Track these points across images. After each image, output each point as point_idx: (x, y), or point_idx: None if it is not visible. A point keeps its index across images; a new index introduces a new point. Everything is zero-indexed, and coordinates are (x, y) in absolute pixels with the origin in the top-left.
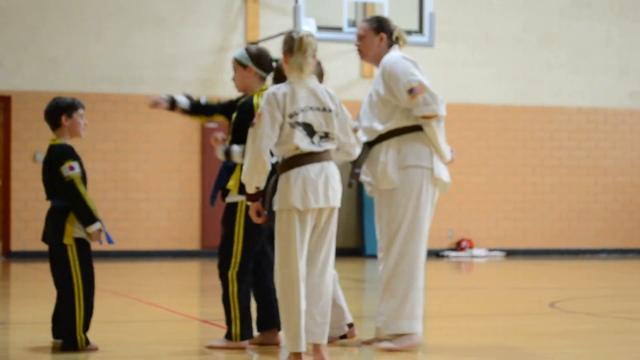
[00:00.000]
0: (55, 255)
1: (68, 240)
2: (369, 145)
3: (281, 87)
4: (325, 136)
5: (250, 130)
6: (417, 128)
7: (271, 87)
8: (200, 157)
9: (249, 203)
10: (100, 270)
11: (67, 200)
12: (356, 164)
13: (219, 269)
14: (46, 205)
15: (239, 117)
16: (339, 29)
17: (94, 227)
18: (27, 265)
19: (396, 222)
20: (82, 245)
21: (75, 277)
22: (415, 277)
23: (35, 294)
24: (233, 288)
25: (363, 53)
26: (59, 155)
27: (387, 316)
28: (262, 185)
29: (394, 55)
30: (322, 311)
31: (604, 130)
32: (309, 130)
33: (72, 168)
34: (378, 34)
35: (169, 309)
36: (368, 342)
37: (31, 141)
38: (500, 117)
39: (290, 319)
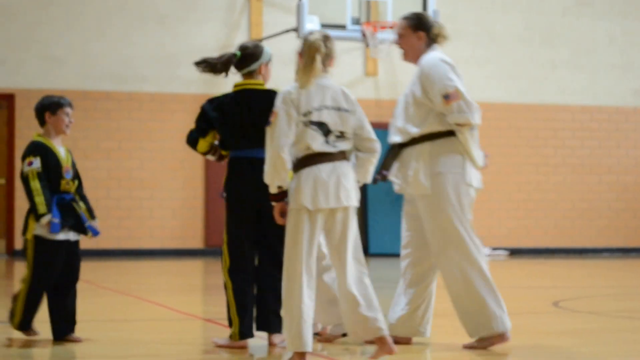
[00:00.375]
0: (23, 248)
1: (28, 235)
2: (400, 147)
3: (296, 86)
4: (341, 135)
5: (268, 130)
6: (450, 133)
7: (286, 86)
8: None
9: (273, 203)
10: (104, 268)
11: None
12: (385, 164)
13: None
14: None
15: None
16: (342, 27)
17: (43, 220)
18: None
19: (441, 230)
20: (41, 242)
21: (27, 272)
22: (484, 279)
23: None
24: (228, 286)
25: (403, 52)
26: (25, 150)
27: (471, 323)
28: (284, 185)
29: (432, 57)
30: (370, 306)
31: (607, 129)
32: (324, 129)
33: (30, 163)
34: (416, 32)
35: (172, 307)
36: (371, 341)
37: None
38: (503, 116)
39: (292, 318)
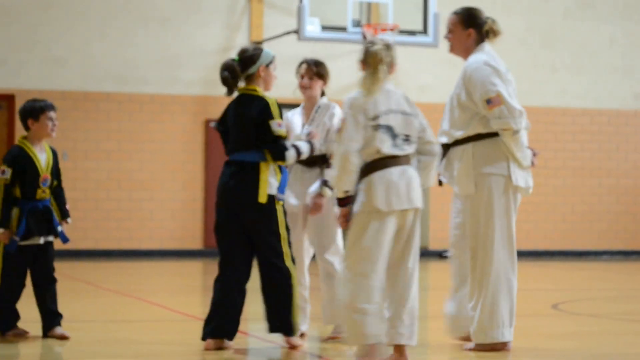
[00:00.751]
0: None
1: None
2: (446, 147)
3: (362, 92)
4: (407, 139)
5: (336, 137)
6: (494, 134)
7: (352, 92)
8: (203, 157)
9: (338, 208)
10: (103, 269)
11: None
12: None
13: None
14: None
15: None
16: (343, 29)
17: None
18: None
19: (475, 230)
20: (7, 248)
21: None
22: (499, 285)
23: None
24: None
25: (452, 47)
26: (4, 155)
27: (478, 328)
28: (351, 189)
29: (477, 60)
30: (411, 313)
31: (608, 132)
32: (392, 132)
33: (2, 172)
34: (466, 29)
35: (171, 308)
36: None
37: None
38: None
39: (355, 316)
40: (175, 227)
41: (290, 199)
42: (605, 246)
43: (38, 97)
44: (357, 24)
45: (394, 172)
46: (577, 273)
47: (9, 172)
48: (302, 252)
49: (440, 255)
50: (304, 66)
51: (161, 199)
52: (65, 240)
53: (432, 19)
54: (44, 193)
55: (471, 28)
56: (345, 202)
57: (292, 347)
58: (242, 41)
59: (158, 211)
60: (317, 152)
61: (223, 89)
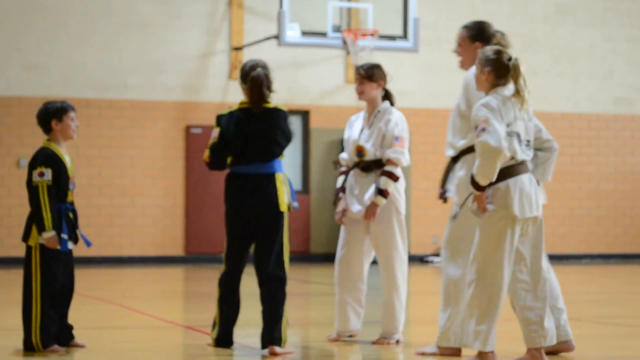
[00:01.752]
0: (25, 257)
1: (32, 241)
2: (453, 160)
3: (492, 99)
4: (528, 144)
5: (481, 135)
6: None
7: (485, 98)
8: (184, 163)
9: (478, 193)
10: (84, 276)
11: (30, 203)
12: (442, 181)
13: None
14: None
15: None
16: (323, 34)
17: (46, 235)
18: (11, 271)
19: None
20: (47, 250)
21: (34, 281)
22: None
23: (19, 301)
24: (217, 294)
25: (462, 62)
26: (35, 159)
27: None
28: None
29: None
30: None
31: (588, 136)
32: (519, 138)
33: (41, 174)
34: (473, 42)
35: (153, 315)
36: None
37: (15, 147)
38: None
39: (487, 319)
40: (156, 233)
41: (354, 205)
42: (586, 250)
43: (20, 104)
44: (337, 29)
45: (525, 179)
46: (559, 277)
47: (49, 173)
48: (362, 257)
49: (421, 260)
50: (356, 73)
51: (142, 205)
52: (89, 244)
53: (412, 24)
54: (71, 196)
55: (479, 42)
56: (484, 189)
57: (275, 354)
58: (222, 47)
59: (139, 217)
60: (372, 158)
61: (202, 95)
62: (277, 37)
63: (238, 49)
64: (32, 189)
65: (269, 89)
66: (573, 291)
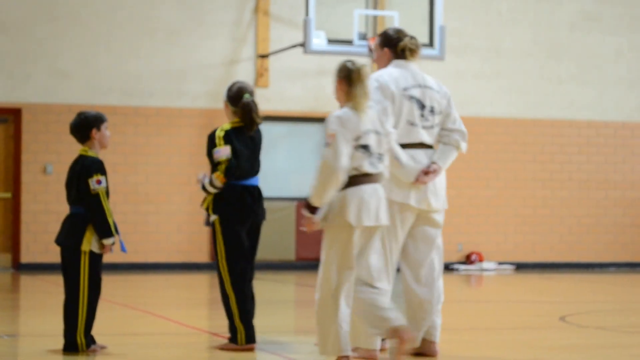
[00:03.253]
0: (68, 260)
1: (85, 247)
2: None
3: (346, 110)
4: (380, 157)
5: (325, 151)
6: None
7: (339, 110)
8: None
9: (308, 214)
10: (110, 282)
11: (89, 210)
12: None
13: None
14: (56, 217)
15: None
16: (349, 42)
17: (109, 241)
18: (36, 277)
19: None
20: (95, 256)
21: (82, 284)
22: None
23: (44, 306)
24: (232, 298)
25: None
26: (90, 167)
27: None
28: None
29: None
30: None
31: (614, 144)
32: (368, 151)
33: (99, 182)
34: (382, 49)
35: (178, 321)
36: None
37: (41, 153)
38: (510, 130)
39: (329, 327)
40: (181, 240)
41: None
42: (612, 258)
43: (46, 111)
44: (363, 37)
45: (366, 189)
46: (584, 285)
47: (105, 180)
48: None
49: (447, 267)
50: None
51: (167, 212)
52: (124, 249)
53: (438, 32)
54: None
55: (386, 47)
56: (315, 210)
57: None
58: (248, 54)
59: (164, 224)
60: None
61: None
62: (303, 44)
63: (264, 56)
64: (92, 197)
65: (259, 116)
66: (598, 300)
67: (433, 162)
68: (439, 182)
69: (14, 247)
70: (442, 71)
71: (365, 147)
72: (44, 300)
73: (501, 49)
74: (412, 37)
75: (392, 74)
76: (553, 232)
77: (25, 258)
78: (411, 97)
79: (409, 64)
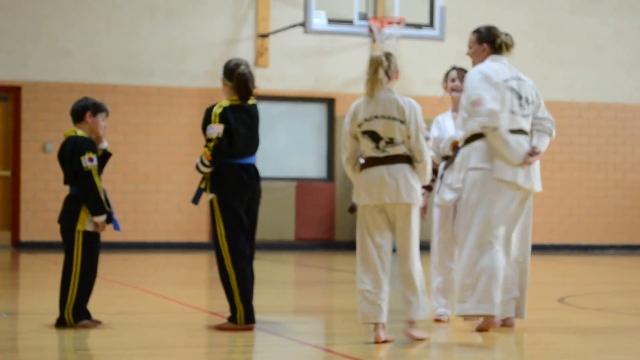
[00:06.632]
0: (65, 240)
1: (80, 227)
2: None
3: (358, 101)
4: (390, 141)
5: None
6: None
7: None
8: None
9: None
10: (109, 261)
11: (81, 188)
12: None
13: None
14: (55, 195)
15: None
16: (349, 22)
17: (101, 218)
18: (36, 255)
19: (460, 219)
20: (91, 235)
21: (75, 263)
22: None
23: (44, 285)
24: (232, 277)
25: (473, 62)
26: (81, 145)
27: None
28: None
29: (474, 68)
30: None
31: (615, 126)
32: (374, 137)
33: (91, 160)
34: (481, 44)
35: (177, 300)
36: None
37: (41, 131)
38: None
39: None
40: (181, 220)
41: (447, 194)
42: (611, 240)
43: (46, 89)
44: (363, 17)
45: (373, 172)
46: (584, 267)
47: (95, 159)
48: (454, 243)
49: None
50: (454, 72)
51: (167, 191)
52: (117, 228)
53: (439, 12)
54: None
55: (486, 43)
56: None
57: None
58: (248, 34)
59: (164, 203)
60: None
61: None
62: (303, 24)
63: (264, 36)
64: (84, 174)
65: (254, 85)
66: (598, 281)
67: (534, 146)
68: (537, 167)
69: (14, 225)
70: (442, 52)
71: (370, 133)
72: (44, 278)
73: (502, 30)
74: (506, 34)
75: (492, 67)
76: (553, 214)
77: (24, 236)
78: (511, 88)
79: (502, 58)
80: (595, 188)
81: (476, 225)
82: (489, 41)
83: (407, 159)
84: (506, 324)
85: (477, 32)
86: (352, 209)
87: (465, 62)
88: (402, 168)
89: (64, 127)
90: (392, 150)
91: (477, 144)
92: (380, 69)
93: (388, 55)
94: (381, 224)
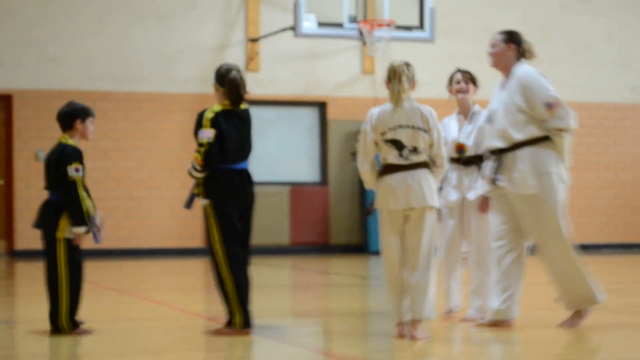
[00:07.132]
0: (46, 246)
1: (61, 234)
2: (500, 152)
3: (376, 109)
4: (414, 150)
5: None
6: (548, 137)
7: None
8: None
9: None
10: (104, 269)
11: (65, 197)
12: (492, 169)
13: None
14: None
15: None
16: (339, 25)
17: (80, 229)
18: (31, 264)
19: (546, 223)
20: (71, 242)
21: (60, 270)
22: (580, 262)
23: (39, 292)
24: (228, 281)
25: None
26: (69, 154)
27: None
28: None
29: (527, 70)
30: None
31: (606, 126)
32: (397, 145)
33: (77, 170)
34: (507, 44)
35: (173, 306)
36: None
37: (32, 139)
38: None
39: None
40: (174, 226)
41: (452, 195)
42: (605, 239)
43: (37, 97)
44: (353, 19)
45: (394, 177)
46: None
47: (82, 169)
48: (459, 243)
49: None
50: (459, 74)
51: (160, 197)
52: (97, 240)
53: (429, 14)
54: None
55: (513, 44)
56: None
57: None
58: (238, 38)
59: (157, 210)
60: (472, 154)
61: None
62: (293, 28)
63: (254, 40)
64: (69, 184)
65: (245, 90)
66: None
67: None
68: None
69: (8, 233)
70: (432, 54)
71: (393, 142)
72: (39, 286)
73: (492, 31)
74: (528, 42)
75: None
76: None
77: (19, 245)
78: None
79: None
80: (588, 188)
81: (564, 227)
82: (517, 43)
83: (426, 164)
84: (506, 324)
85: (504, 33)
86: (368, 212)
87: (456, 63)
88: (423, 172)
89: (55, 135)
90: (415, 159)
91: (544, 148)
92: (404, 77)
93: (407, 65)
94: (402, 227)
